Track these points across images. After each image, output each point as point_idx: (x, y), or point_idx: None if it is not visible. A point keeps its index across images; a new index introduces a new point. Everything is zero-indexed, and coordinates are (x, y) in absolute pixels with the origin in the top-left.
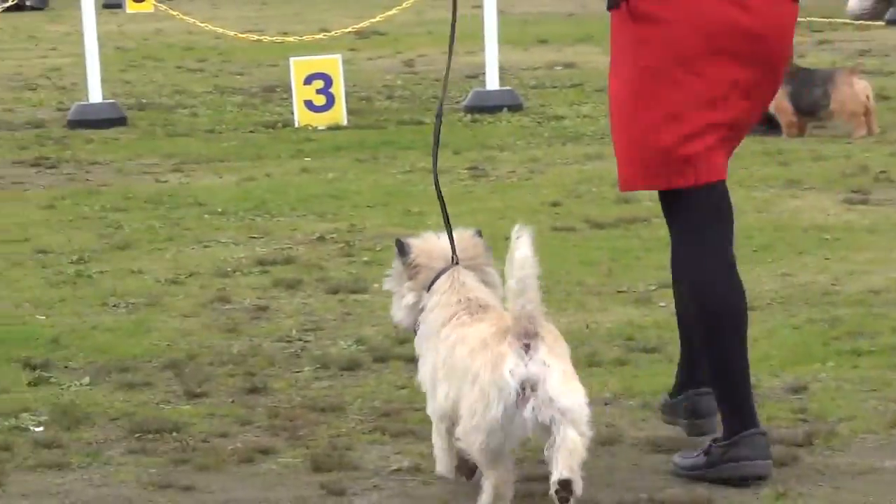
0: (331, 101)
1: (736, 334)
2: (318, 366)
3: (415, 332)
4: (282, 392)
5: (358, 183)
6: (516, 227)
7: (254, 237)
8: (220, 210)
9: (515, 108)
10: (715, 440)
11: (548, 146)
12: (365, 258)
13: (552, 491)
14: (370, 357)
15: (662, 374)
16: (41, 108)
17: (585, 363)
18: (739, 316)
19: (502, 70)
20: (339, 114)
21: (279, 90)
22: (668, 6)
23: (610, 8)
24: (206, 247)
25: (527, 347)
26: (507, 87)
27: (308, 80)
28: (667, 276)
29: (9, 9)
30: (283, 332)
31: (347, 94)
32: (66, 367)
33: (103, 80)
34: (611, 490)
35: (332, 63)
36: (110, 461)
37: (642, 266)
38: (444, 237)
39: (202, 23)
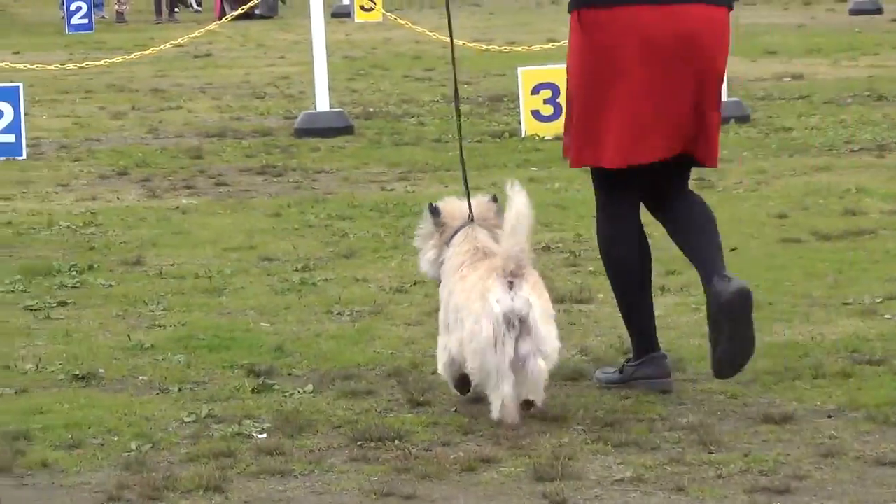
0: (558, 111)
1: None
2: None
3: (438, 282)
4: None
5: (584, 193)
6: (511, 182)
7: None
8: None
9: (742, 119)
10: (628, 360)
11: (775, 158)
12: (590, 268)
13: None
14: (594, 367)
15: (888, 386)
16: (269, 116)
17: (810, 375)
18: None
19: (730, 81)
20: None
21: (506, 100)
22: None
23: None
24: None
25: (511, 284)
26: (735, 99)
27: (535, 90)
28: (894, 288)
29: (239, 17)
30: None
31: None
32: (289, 374)
33: (331, 89)
34: (834, 503)
35: (560, 73)
36: (332, 469)
37: (869, 278)
38: (465, 201)
39: (430, 32)
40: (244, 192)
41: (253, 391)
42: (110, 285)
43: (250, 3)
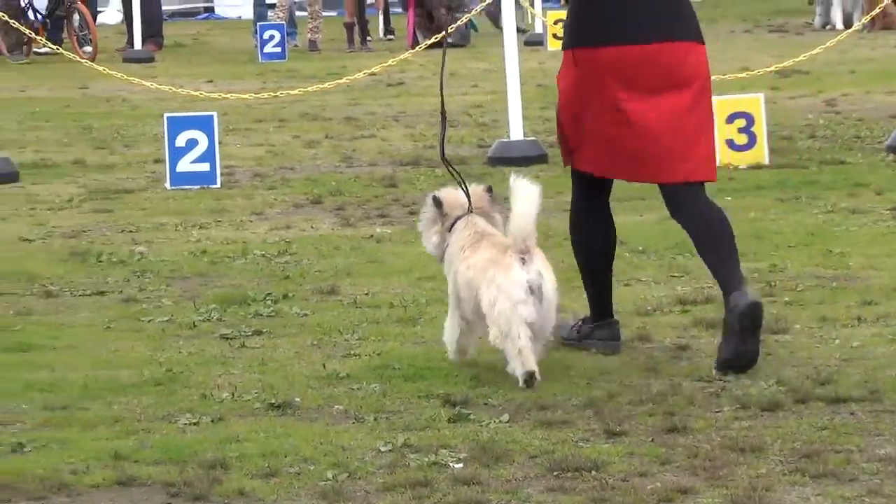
0: (752, 141)
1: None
2: (737, 406)
3: (441, 261)
4: (701, 432)
5: (779, 223)
6: (513, 174)
7: (674, 276)
8: (640, 248)
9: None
10: (584, 320)
11: None
12: (786, 298)
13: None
14: (791, 398)
15: None
16: (462, 144)
17: None
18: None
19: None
20: (761, 153)
21: None
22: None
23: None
24: (626, 285)
25: (523, 260)
26: None
27: (730, 119)
28: None
29: (431, 46)
30: (703, 372)
31: (769, 134)
32: (485, 403)
33: (524, 117)
34: None
35: (754, 102)
36: (529, 499)
37: None
38: (462, 192)
39: None
40: None
41: (449, 421)
42: (305, 314)
43: (443, 33)
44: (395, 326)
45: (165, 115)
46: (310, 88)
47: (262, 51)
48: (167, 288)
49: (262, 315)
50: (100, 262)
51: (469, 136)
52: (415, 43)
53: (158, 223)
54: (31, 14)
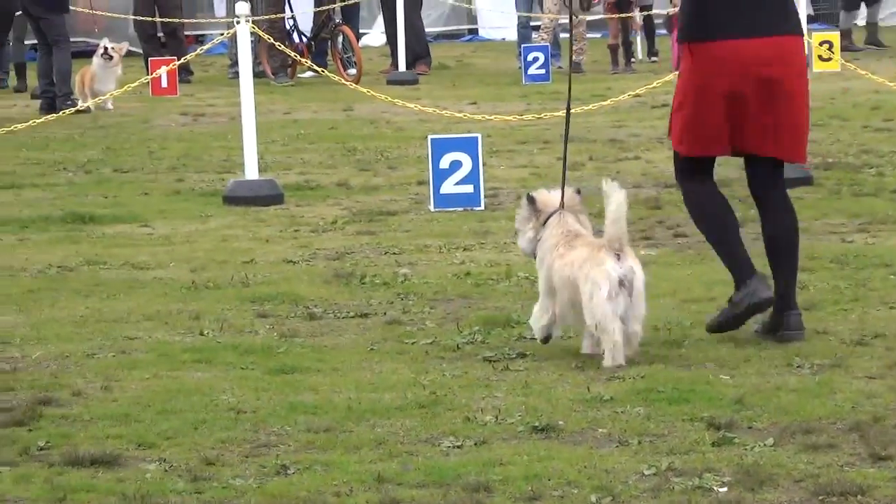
0: None
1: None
2: None
3: (534, 257)
4: None
5: None
6: (607, 180)
7: None
8: None
9: None
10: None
11: None
12: None
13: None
14: None
15: None
16: (727, 166)
17: None
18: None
19: None
20: None
21: None
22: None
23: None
24: (891, 308)
25: (618, 256)
26: None
27: None
28: None
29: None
30: None
31: None
32: (749, 427)
33: None
34: None
35: None
36: None
37: None
38: (555, 192)
39: (890, 82)
40: (702, 244)
41: (713, 444)
42: (569, 337)
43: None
44: (660, 349)
45: (429, 136)
46: (575, 110)
47: (525, 72)
48: (431, 310)
49: (525, 338)
50: (363, 284)
51: (733, 158)
52: (679, 64)
53: (422, 245)
54: (295, 37)
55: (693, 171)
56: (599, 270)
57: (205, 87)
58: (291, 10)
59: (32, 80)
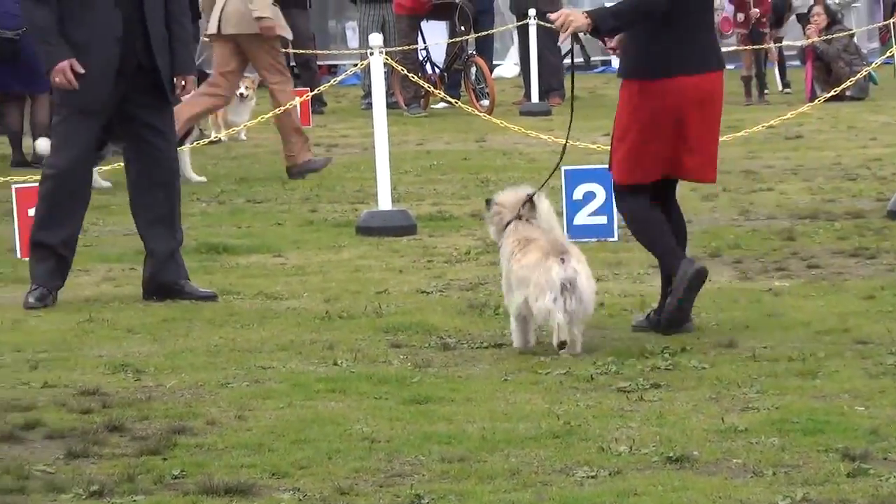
0: None
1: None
2: None
3: (499, 248)
4: None
5: None
6: (536, 193)
7: None
8: None
9: None
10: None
11: None
12: None
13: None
14: None
15: None
16: (860, 197)
17: None
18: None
19: None
20: None
21: None
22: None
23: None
24: None
25: (562, 260)
26: None
27: None
28: None
29: (829, 99)
30: None
31: None
32: (885, 458)
33: None
34: None
35: None
36: None
37: None
38: (514, 195)
39: None
40: (836, 275)
41: (848, 475)
42: (703, 367)
43: (843, 85)
44: (794, 380)
45: (563, 168)
46: None
47: None
48: None
49: (659, 368)
50: (497, 314)
51: (868, 190)
52: (813, 96)
53: None
54: (428, 68)
55: (634, 194)
56: (546, 276)
57: (338, 118)
58: (424, 42)
59: None
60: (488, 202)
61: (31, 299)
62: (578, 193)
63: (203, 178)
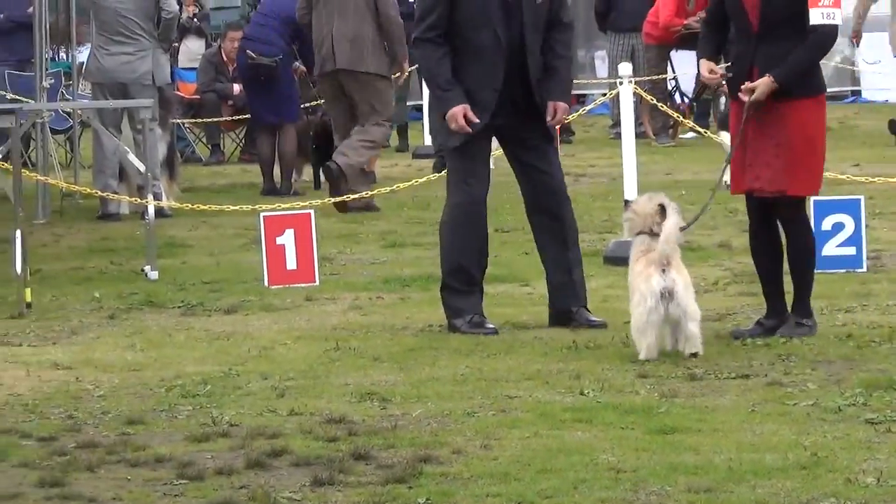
0: None
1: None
2: None
3: None
4: None
5: None
6: (669, 203)
7: None
8: None
9: None
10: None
11: None
12: None
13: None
14: None
15: None
16: None
17: None
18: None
19: None
20: None
21: None
22: None
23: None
24: None
25: (663, 271)
26: None
27: None
28: None
29: None
30: None
31: None
32: None
33: None
34: None
35: None
36: None
37: None
38: (647, 205)
39: None
40: None
41: None
42: None
43: None
44: None
45: (812, 198)
46: None
47: None
48: (812, 371)
49: None
50: (745, 345)
51: None
52: None
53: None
54: (677, 97)
55: None
56: (646, 284)
57: (586, 147)
58: (674, 71)
59: (414, 139)
60: (626, 204)
61: (463, 326)
62: (827, 224)
63: None
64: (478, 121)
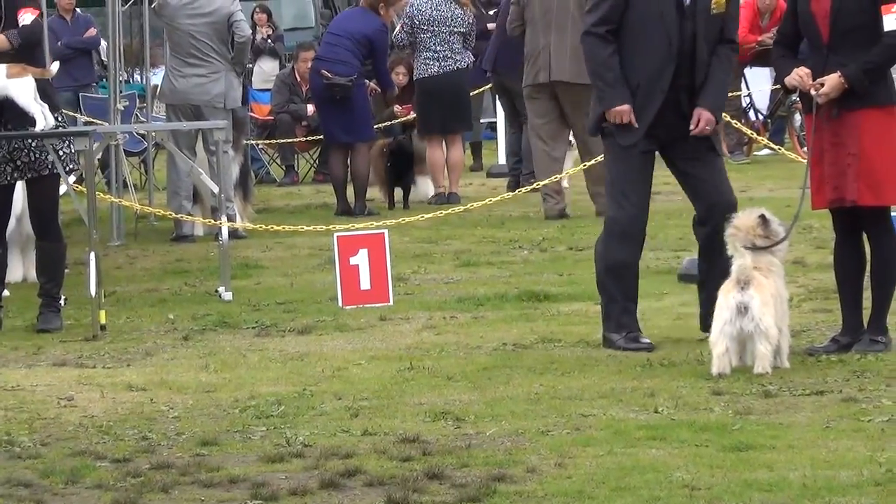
0: None
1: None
2: None
3: None
4: None
5: None
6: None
7: None
8: None
9: None
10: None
11: None
12: None
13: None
14: None
15: None
16: None
17: None
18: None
19: None
20: None
21: None
22: None
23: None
24: None
25: (742, 288)
26: None
27: None
28: None
29: None
30: None
31: None
32: None
33: None
34: None
35: None
36: None
37: None
38: (748, 219)
39: None
40: None
41: None
42: None
43: None
44: None
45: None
46: None
47: None
48: (887, 388)
49: None
50: (819, 361)
51: None
52: None
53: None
54: (752, 114)
55: None
56: (724, 298)
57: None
58: (748, 88)
59: (488, 158)
60: (727, 220)
61: (619, 341)
62: None
63: None
64: (637, 126)
